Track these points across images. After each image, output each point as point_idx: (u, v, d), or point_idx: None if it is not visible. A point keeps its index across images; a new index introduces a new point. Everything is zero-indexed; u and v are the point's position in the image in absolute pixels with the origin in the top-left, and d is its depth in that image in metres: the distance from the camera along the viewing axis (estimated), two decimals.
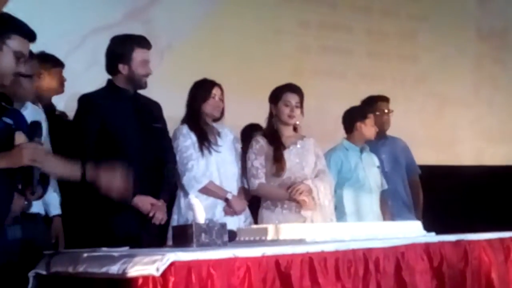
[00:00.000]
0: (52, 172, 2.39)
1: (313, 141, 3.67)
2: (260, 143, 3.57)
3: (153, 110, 3.30)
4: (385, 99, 4.42)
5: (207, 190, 3.39)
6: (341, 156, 3.97)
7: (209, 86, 3.51)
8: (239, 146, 3.65)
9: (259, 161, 3.51)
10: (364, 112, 4.10)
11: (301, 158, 3.56)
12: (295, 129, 3.66)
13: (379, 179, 4.06)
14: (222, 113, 3.56)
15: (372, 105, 4.29)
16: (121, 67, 3.16)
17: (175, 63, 4.65)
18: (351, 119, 4.09)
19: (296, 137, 3.63)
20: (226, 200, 3.43)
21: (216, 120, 3.55)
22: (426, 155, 5.57)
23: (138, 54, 3.16)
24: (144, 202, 3.08)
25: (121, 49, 3.17)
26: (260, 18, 5.09)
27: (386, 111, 4.35)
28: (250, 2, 5.05)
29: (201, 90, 3.50)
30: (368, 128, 4.06)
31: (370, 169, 4.03)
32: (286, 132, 3.61)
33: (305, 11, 5.36)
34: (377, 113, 4.26)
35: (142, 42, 3.21)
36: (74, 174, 2.40)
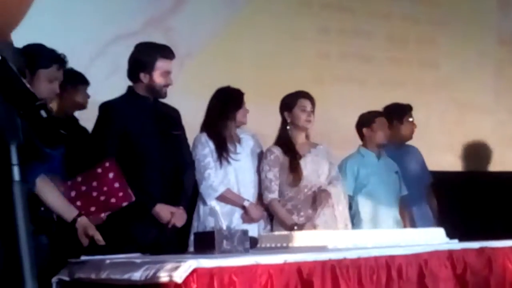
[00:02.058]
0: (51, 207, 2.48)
1: (326, 148, 3.68)
2: (275, 154, 3.56)
3: (172, 117, 3.32)
4: (410, 108, 4.43)
5: (224, 198, 3.40)
6: (357, 162, 3.97)
7: (240, 93, 3.55)
8: (259, 153, 3.65)
9: (273, 173, 3.51)
10: (370, 118, 4.10)
11: (317, 166, 3.57)
12: (306, 136, 3.65)
13: (397, 185, 4.03)
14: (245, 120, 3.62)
15: (400, 113, 4.28)
16: (142, 75, 3.18)
17: (194, 71, 4.66)
18: (358, 126, 4.12)
19: (309, 144, 3.64)
20: (243, 207, 3.43)
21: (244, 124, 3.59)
22: (448, 161, 5.53)
23: (160, 64, 3.17)
24: (164, 211, 3.10)
25: (144, 57, 3.18)
26: (279, 25, 5.09)
27: (411, 119, 4.35)
28: (269, 9, 5.05)
29: (234, 97, 3.53)
30: (375, 133, 4.05)
31: (388, 175, 4.01)
32: (300, 140, 3.62)
33: (324, 18, 5.35)
34: (408, 121, 4.29)
35: (166, 52, 3.22)
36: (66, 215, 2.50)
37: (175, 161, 3.17)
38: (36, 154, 2.07)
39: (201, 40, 4.78)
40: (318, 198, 3.47)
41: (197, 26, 4.75)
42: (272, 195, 3.49)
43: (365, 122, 4.10)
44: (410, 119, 4.31)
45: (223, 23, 4.91)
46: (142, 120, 3.14)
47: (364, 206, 3.87)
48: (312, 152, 3.60)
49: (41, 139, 0.98)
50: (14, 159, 0.95)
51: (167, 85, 3.21)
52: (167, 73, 3.20)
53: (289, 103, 3.63)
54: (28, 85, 0.97)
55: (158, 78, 3.17)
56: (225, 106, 3.50)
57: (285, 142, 3.59)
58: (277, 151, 3.57)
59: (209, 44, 4.81)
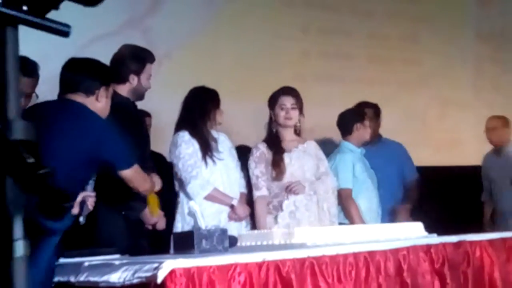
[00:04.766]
0: None
1: (315, 144, 3.67)
2: (260, 150, 3.57)
3: (143, 119, 3.40)
4: (374, 105, 4.43)
5: (212, 197, 3.40)
6: (351, 157, 3.96)
7: (217, 94, 3.55)
8: (234, 151, 3.65)
9: (259, 169, 3.52)
10: (362, 114, 4.12)
11: (303, 162, 3.56)
12: (297, 132, 3.64)
13: (375, 181, 4.07)
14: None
15: (364, 110, 4.25)
16: (131, 77, 3.20)
17: (173, 70, 4.66)
18: (349, 121, 4.08)
19: (298, 141, 3.63)
20: (232, 206, 3.44)
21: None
22: (429, 157, 5.57)
23: (148, 68, 3.26)
24: (153, 221, 3.14)
25: (137, 59, 3.23)
26: (259, 24, 5.10)
27: (367, 123, 4.20)
28: (249, 8, 5.05)
29: (212, 97, 3.52)
30: (366, 130, 4.08)
31: (370, 172, 4.06)
32: (288, 136, 3.61)
33: (305, 17, 5.36)
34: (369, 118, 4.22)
35: (152, 57, 3.32)
36: None
37: (145, 164, 3.17)
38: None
39: (180, 40, 4.77)
40: (290, 187, 3.44)
41: (175, 26, 4.75)
42: (258, 192, 3.50)
43: (357, 117, 4.08)
44: (367, 123, 4.13)
45: (202, 22, 4.91)
46: (123, 121, 3.13)
47: (360, 201, 3.89)
48: (300, 148, 3.59)
49: (44, 212, 0.96)
50: (17, 234, 0.93)
51: (148, 89, 3.29)
52: (150, 77, 3.29)
53: (271, 101, 3.64)
54: (27, 156, 0.96)
55: (144, 81, 3.24)
56: (204, 106, 3.50)
57: (271, 138, 3.60)
58: (263, 147, 3.58)
59: (188, 44, 4.80)
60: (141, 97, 3.28)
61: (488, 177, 4.99)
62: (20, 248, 0.93)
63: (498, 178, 4.88)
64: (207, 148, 3.44)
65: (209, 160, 3.42)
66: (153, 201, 3.10)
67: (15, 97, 0.99)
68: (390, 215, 4.19)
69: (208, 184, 3.39)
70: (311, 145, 3.64)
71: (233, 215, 3.44)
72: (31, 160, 0.95)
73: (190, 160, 3.39)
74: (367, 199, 3.94)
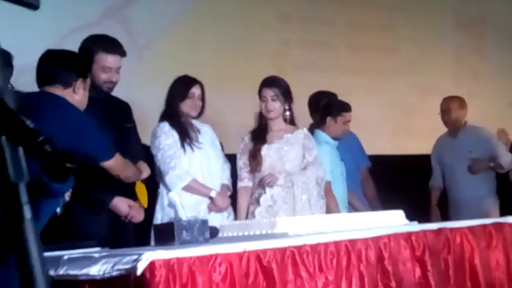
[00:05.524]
0: None
1: (305, 133, 3.58)
2: (244, 142, 3.58)
3: (123, 110, 3.27)
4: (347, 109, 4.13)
5: (191, 188, 3.37)
6: (329, 150, 3.93)
7: (188, 84, 3.45)
8: (218, 142, 3.63)
9: (242, 161, 3.54)
10: (339, 110, 4.01)
11: (282, 154, 3.53)
12: (287, 121, 3.57)
13: (344, 173, 4.07)
14: (201, 111, 3.52)
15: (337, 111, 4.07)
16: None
17: (155, 61, 4.62)
18: (324, 111, 4.03)
19: (286, 130, 3.57)
20: (210, 197, 3.42)
21: (195, 118, 3.52)
22: (409, 145, 5.60)
23: (100, 58, 3.06)
24: (123, 204, 3.07)
25: (84, 49, 3.07)
26: (239, 13, 5.07)
27: (344, 121, 4.06)
28: None
29: (180, 88, 3.45)
30: (338, 126, 3.99)
31: (340, 164, 4.04)
32: (275, 126, 3.57)
33: (284, 6, 5.35)
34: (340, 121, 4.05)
35: (109, 46, 3.08)
36: None
37: (127, 154, 3.13)
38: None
39: (161, 29, 4.73)
40: (263, 180, 3.43)
41: (155, 16, 4.70)
42: (240, 183, 3.52)
43: (334, 111, 4.00)
44: (343, 120, 4.02)
45: (182, 12, 4.87)
46: (93, 111, 3.08)
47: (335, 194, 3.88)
48: (284, 138, 3.54)
49: (49, 174, 0.96)
50: (24, 198, 0.95)
51: (109, 82, 3.09)
52: (108, 69, 3.07)
53: (258, 92, 3.60)
54: (28, 122, 0.97)
55: (97, 72, 3.03)
56: (171, 97, 3.45)
57: (258, 129, 3.59)
58: (247, 138, 3.58)
59: (168, 34, 4.76)
60: (99, 89, 3.04)
61: (441, 162, 4.73)
62: (27, 211, 0.94)
63: (452, 163, 4.63)
64: (185, 137, 3.40)
65: (187, 148, 3.38)
66: (140, 191, 3.08)
67: None
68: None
69: (187, 175, 3.37)
70: (299, 135, 3.56)
71: (213, 207, 3.42)
72: (32, 125, 0.97)
73: (169, 151, 3.37)
74: (340, 192, 3.91)
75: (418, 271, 2.70)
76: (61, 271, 2.21)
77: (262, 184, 3.44)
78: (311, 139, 3.61)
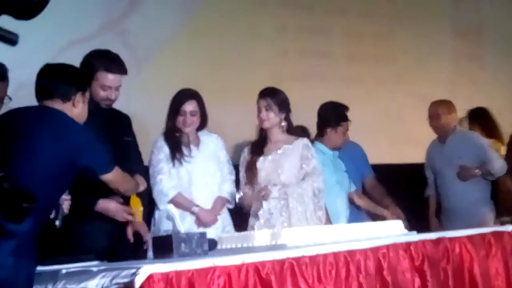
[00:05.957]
0: None
1: (304, 143, 3.56)
2: (244, 154, 3.61)
3: (123, 123, 3.28)
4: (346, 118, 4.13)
5: (175, 203, 3.31)
6: (321, 161, 3.92)
7: (180, 101, 3.46)
8: (223, 153, 3.60)
9: (241, 173, 3.57)
10: (338, 120, 4.00)
11: (277, 165, 3.51)
12: (289, 131, 3.57)
13: (347, 183, 4.06)
14: (202, 124, 3.51)
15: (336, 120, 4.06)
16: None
17: (153, 72, 4.63)
18: (324, 122, 4.03)
19: (284, 141, 3.56)
20: (193, 212, 3.41)
21: (188, 132, 3.50)
22: (406, 154, 5.60)
23: (101, 76, 3.07)
24: (109, 203, 3.02)
25: (85, 65, 3.08)
26: (236, 24, 5.08)
27: (343, 130, 4.08)
28: (225, 9, 5.04)
29: (172, 104, 3.49)
30: (338, 136, 3.99)
31: (341, 174, 4.04)
32: (274, 137, 3.57)
33: (281, 16, 5.36)
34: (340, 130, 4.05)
35: (110, 65, 3.09)
36: None
37: (126, 168, 3.13)
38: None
39: (159, 41, 4.74)
40: (257, 195, 3.44)
41: (153, 27, 4.71)
42: (239, 194, 3.53)
43: (332, 122, 3.99)
44: (343, 130, 4.03)
45: (179, 24, 4.88)
46: (92, 124, 3.09)
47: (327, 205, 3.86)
48: (282, 149, 3.53)
49: (3, 213, 0.93)
50: None
51: (108, 99, 3.10)
52: (107, 87, 3.09)
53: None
54: None
55: (96, 89, 3.05)
56: (168, 113, 3.48)
57: (257, 140, 3.61)
58: (246, 151, 3.60)
59: (166, 46, 4.77)
60: (97, 105, 3.05)
61: (433, 169, 4.62)
62: None
63: (442, 170, 4.52)
64: (176, 151, 3.41)
65: (177, 162, 3.40)
66: (134, 204, 3.07)
67: None
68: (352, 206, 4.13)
69: (171, 189, 3.38)
70: (298, 145, 3.54)
71: (199, 222, 3.41)
72: None
73: (157, 166, 3.41)
74: (332, 203, 3.81)
75: (417, 281, 2.69)
76: (59, 286, 2.21)
77: (259, 198, 3.45)
78: (310, 149, 3.58)
